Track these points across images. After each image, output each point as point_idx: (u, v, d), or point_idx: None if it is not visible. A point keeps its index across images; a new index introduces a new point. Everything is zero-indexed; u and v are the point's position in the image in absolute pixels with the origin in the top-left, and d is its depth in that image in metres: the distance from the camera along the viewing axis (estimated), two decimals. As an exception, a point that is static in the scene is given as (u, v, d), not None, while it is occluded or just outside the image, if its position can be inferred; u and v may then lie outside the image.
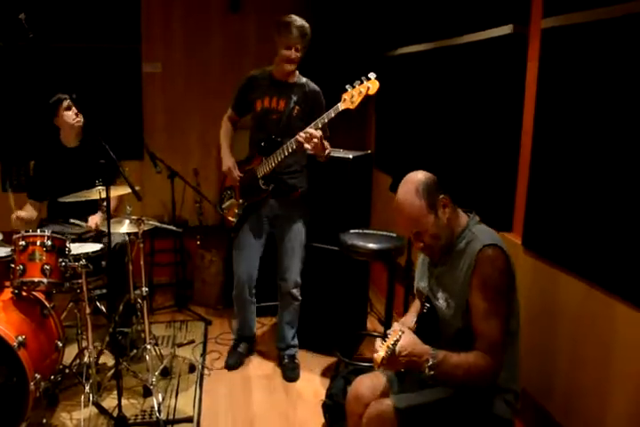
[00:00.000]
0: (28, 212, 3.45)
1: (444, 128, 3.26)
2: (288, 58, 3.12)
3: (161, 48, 4.72)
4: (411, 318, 2.20)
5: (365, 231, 3.27)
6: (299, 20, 3.11)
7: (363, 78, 2.78)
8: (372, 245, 3.05)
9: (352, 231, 3.26)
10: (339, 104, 2.85)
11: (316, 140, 2.94)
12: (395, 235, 3.24)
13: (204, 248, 4.53)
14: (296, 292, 3.45)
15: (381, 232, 3.27)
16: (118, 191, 3.04)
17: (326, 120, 2.94)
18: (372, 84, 2.77)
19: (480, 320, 1.88)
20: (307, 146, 2.97)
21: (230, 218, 3.40)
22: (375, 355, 1.74)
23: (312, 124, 2.96)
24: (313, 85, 3.29)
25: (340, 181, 3.54)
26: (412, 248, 3.42)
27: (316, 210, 3.60)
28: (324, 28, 4.42)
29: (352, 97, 2.79)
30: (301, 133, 2.95)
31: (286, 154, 3.08)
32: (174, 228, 3.33)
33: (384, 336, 1.87)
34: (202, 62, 4.76)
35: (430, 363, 1.79)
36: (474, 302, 1.89)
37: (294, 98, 3.21)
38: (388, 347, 1.73)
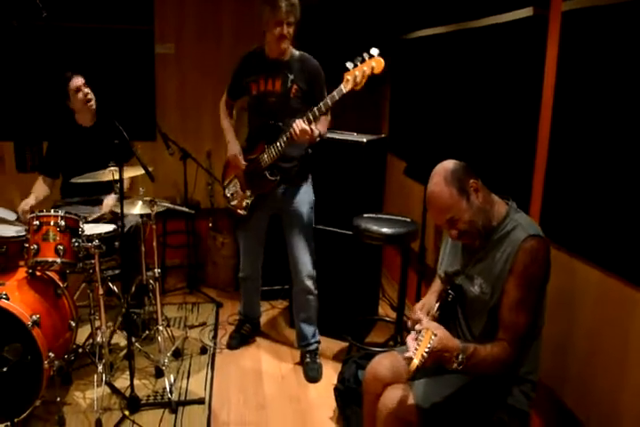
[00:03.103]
0: (39, 191, 3.45)
1: (461, 113, 3.22)
2: (281, 35, 2.95)
3: (174, 29, 4.68)
4: (432, 298, 2.19)
5: (379, 216, 3.26)
6: None
7: (365, 55, 2.60)
8: (385, 230, 3.03)
9: (366, 216, 3.24)
10: (342, 86, 2.67)
11: (307, 136, 2.84)
12: (409, 220, 3.22)
13: (216, 230, 4.53)
14: (310, 285, 3.30)
15: (395, 217, 3.25)
16: (131, 172, 3.04)
17: (330, 104, 2.76)
18: (376, 63, 2.58)
19: (509, 309, 1.88)
20: (298, 140, 2.88)
21: (240, 211, 3.31)
22: (410, 360, 1.70)
23: (315, 109, 2.81)
24: (310, 59, 3.12)
25: (354, 164, 3.51)
26: (425, 233, 3.42)
27: (328, 194, 3.59)
28: (337, 10, 4.37)
29: (355, 77, 2.61)
30: (294, 126, 2.83)
31: (284, 144, 2.97)
32: (187, 210, 3.33)
33: (415, 330, 1.86)
34: (214, 43, 4.71)
35: (460, 358, 1.79)
36: (507, 290, 1.89)
37: (290, 76, 3.04)
38: (422, 355, 1.70)
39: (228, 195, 3.38)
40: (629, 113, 1.96)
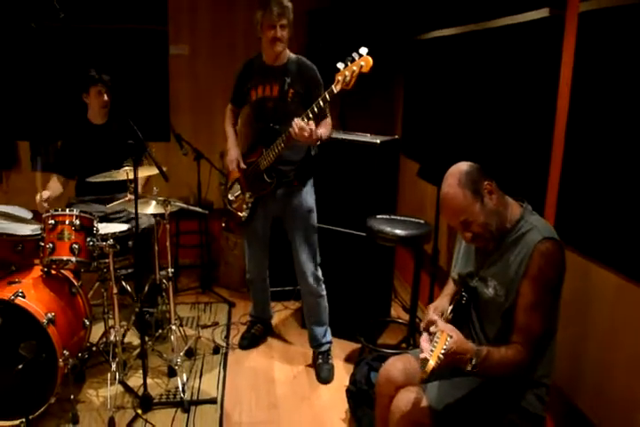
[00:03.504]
0: (53, 188, 3.43)
1: (475, 114, 3.21)
2: (274, 37, 2.98)
3: (188, 30, 4.70)
4: (445, 301, 2.18)
5: (392, 217, 3.25)
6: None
7: (354, 55, 2.61)
8: (399, 231, 3.02)
9: (379, 217, 3.24)
10: (332, 86, 2.69)
11: (306, 133, 2.80)
12: (422, 221, 3.21)
13: (229, 230, 4.54)
14: (316, 287, 3.31)
15: (409, 218, 3.25)
16: (146, 172, 3.06)
17: (322, 104, 2.77)
18: (364, 62, 2.60)
19: (524, 312, 1.87)
20: (297, 138, 2.85)
21: (240, 213, 3.33)
22: (425, 362, 1.68)
23: (308, 110, 2.81)
24: (306, 62, 3.13)
25: (367, 165, 3.51)
26: (438, 235, 3.40)
27: (342, 195, 3.59)
28: (351, 10, 4.37)
29: (345, 77, 2.63)
30: (293, 125, 2.81)
31: (282, 146, 2.98)
32: (201, 210, 3.34)
33: (429, 333, 1.85)
34: (228, 44, 4.72)
35: (474, 362, 1.78)
36: (522, 292, 1.88)
37: (287, 80, 3.06)
38: (438, 357, 1.69)
39: (232, 198, 3.39)
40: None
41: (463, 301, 2.06)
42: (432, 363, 1.68)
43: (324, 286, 3.34)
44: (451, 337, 1.74)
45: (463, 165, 1.98)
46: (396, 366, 2.16)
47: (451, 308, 2.08)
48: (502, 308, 1.94)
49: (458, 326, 1.89)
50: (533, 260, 1.86)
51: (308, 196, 3.28)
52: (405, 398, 1.98)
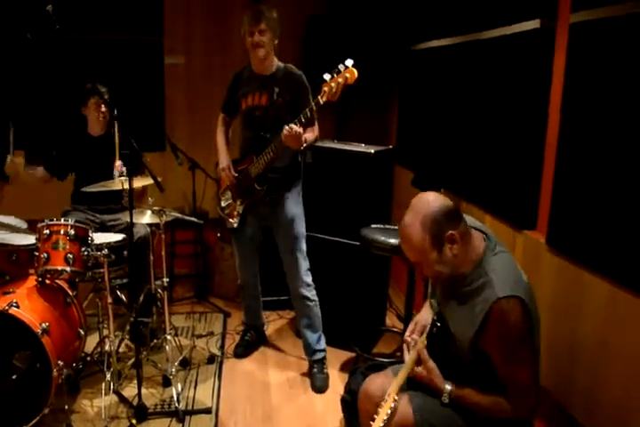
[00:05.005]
0: (36, 171, 3.49)
1: (468, 123, 3.24)
2: (252, 43, 3.05)
3: (183, 40, 4.73)
4: (426, 314, 2.18)
5: (387, 226, 3.26)
6: (255, 7, 3.07)
7: (340, 66, 2.65)
8: (393, 241, 3.03)
9: (373, 226, 3.25)
10: (319, 97, 2.75)
11: (296, 139, 2.87)
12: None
13: (224, 240, 4.54)
14: (307, 293, 3.32)
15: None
16: (141, 182, 3.07)
17: (309, 114, 2.83)
18: (349, 74, 2.64)
19: (503, 369, 1.80)
20: (287, 144, 2.91)
21: (231, 220, 3.36)
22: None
23: (296, 120, 2.85)
24: (293, 71, 3.18)
25: (362, 175, 3.53)
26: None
27: (336, 204, 3.60)
28: (347, 21, 4.41)
29: (332, 88, 2.68)
30: (285, 130, 2.85)
31: (273, 153, 3.02)
32: (196, 220, 3.35)
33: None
34: (224, 54, 4.74)
35: (446, 400, 1.79)
36: (493, 354, 1.80)
37: (276, 90, 3.11)
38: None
39: (224, 204, 3.43)
40: (638, 124, 1.97)
41: (434, 330, 2.01)
42: None
43: (314, 292, 3.35)
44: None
45: (435, 203, 1.82)
46: (375, 382, 2.15)
47: (425, 335, 2.05)
48: (466, 354, 1.87)
49: (434, 352, 1.92)
50: (491, 323, 1.75)
51: (295, 202, 3.30)
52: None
